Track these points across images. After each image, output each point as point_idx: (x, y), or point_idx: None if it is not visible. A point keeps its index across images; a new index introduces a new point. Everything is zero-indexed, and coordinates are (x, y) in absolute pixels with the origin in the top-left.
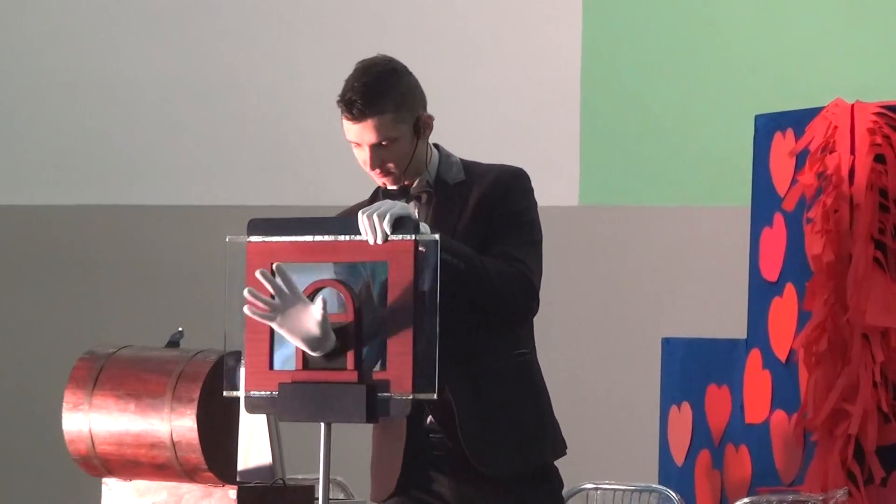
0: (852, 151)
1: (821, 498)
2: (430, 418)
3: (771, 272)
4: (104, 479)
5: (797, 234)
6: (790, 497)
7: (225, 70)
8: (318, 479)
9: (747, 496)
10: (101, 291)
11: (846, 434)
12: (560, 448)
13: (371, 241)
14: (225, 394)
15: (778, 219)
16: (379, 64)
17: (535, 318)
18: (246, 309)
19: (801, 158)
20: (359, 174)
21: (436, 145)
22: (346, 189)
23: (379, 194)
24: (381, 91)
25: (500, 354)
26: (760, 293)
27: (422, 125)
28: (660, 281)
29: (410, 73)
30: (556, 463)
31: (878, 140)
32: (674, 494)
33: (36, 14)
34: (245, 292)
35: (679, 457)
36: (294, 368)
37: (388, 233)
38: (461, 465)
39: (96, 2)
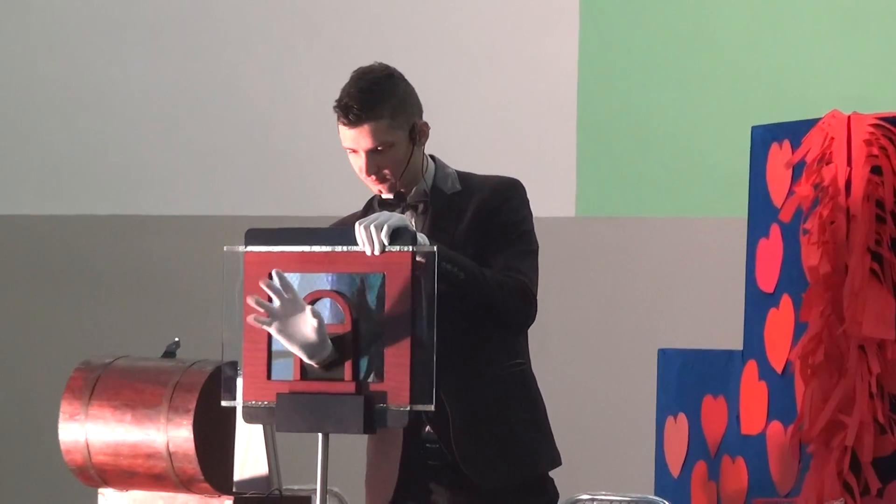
0: (849, 163)
1: None
2: (427, 428)
3: (767, 283)
4: (100, 490)
5: (794, 246)
6: None
7: (223, 80)
8: (315, 489)
9: None
10: (97, 301)
11: (842, 445)
12: (555, 459)
13: (368, 252)
14: (223, 403)
15: (774, 230)
16: (375, 70)
17: (530, 329)
18: (249, 317)
19: (797, 170)
20: (355, 184)
21: (431, 156)
22: (342, 199)
23: (374, 204)
24: (377, 96)
25: (496, 365)
26: (757, 304)
27: (418, 132)
28: (656, 292)
29: (406, 81)
30: (551, 474)
31: (875, 151)
32: None
33: (35, 24)
34: (248, 300)
35: (675, 468)
36: (292, 379)
37: (386, 244)
38: (457, 475)
39: (95, 13)
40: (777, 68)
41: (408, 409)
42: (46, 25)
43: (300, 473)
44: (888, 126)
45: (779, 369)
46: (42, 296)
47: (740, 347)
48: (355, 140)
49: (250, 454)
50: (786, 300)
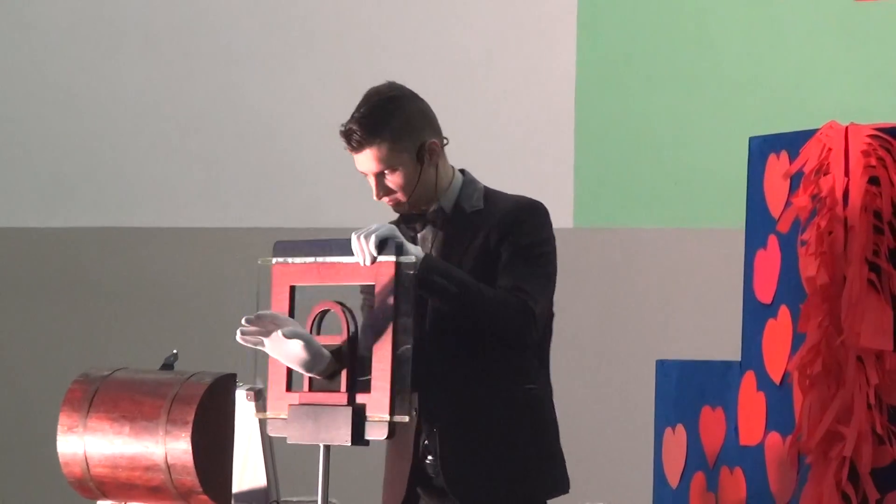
0: (846, 173)
1: None
2: (425, 441)
3: (765, 294)
4: (99, 502)
5: (791, 257)
6: None
7: (224, 92)
8: (315, 500)
9: None
10: (96, 314)
11: (841, 456)
12: (558, 486)
13: (361, 263)
14: (256, 415)
15: (772, 241)
16: (380, 93)
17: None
18: (238, 338)
19: (795, 180)
20: (357, 195)
21: (462, 171)
22: (344, 211)
23: (400, 218)
24: (378, 121)
25: (500, 387)
26: (755, 315)
27: (426, 152)
28: (654, 303)
29: (415, 99)
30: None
31: (873, 162)
32: None
33: (36, 37)
34: (243, 320)
35: (673, 479)
36: (304, 390)
37: (375, 254)
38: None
39: (95, 25)
40: (775, 79)
41: (387, 420)
42: (47, 38)
43: (298, 485)
44: (886, 137)
45: (777, 380)
46: (41, 308)
47: (738, 358)
48: (362, 164)
49: (248, 466)
50: (784, 311)
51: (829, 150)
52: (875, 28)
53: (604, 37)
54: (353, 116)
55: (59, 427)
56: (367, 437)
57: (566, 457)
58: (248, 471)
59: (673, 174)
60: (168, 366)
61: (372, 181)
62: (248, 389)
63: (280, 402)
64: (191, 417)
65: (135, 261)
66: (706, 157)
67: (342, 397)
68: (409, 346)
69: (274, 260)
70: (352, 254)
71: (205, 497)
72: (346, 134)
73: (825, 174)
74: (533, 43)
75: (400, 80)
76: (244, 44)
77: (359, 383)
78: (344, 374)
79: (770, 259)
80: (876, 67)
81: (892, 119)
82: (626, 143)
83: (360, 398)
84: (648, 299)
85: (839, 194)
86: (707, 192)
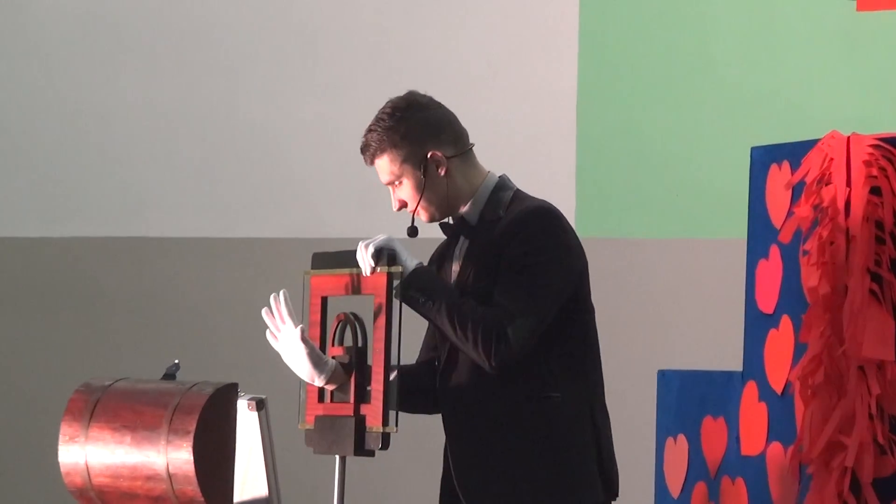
0: (848, 183)
1: None
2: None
3: (767, 304)
4: None
5: (793, 267)
6: None
7: (227, 103)
8: None
9: None
10: (98, 323)
11: (842, 466)
12: (581, 499)
13: (364, 273)
14: (299, 426)
15: (774, 251)
16: (389, 104)
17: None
18: (263, 312)
19: (797, 191)
20: (359, 206)
21: (501, 177)
22: (347, 221)
23: (443, 228)
24: (380, 133)
25: (514, 397)
26: (756, 325)
27: (431, 163)
28: (655, 313)
29: (425, 109)
30: None
31: (874, 172)
32: None
33: (37, 47)
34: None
35: (675, 489)
36: (327, 401)
37: (372, 264)
38: None
39: (97, 35)
40: (776, 89)
41: (380, 431)
42: (52, 49)
43: (300, 496)
44: (888, 147)
45: (779, 390)
46: (43, 317)
47: (740, 368)
48: (379, 176)
49: (250, 476)
50: (785, 321)
51: (831, 160)
52: (877, 38)
53: (606, 48)
54: (366, 129)
55: (60, 437)
56: (367, 447)
57: None
58: (249, 481)
59: (675, 184)
60: (170, 376)
61: (391, 192)
62: (249, 399)
63: (312, 413)
64: (192, 427)
65: (137, 270)
66: (708, 167)
67: (350, 408)
68: (395, 356)
69: (312, 272)
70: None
71: None
72: (361, 148)
73: (827, 184)
74: (535, 53)
75: (402, 93)
76: (249, 55)
77: (367, 394)
78: (352, 384)
79: (772, 269)
80: (878, 77)
81: (893, 129)
82: (628, 154)
83: (363, 409)
84: (650, 309)
85: (841, 204)
86: (709, 203)
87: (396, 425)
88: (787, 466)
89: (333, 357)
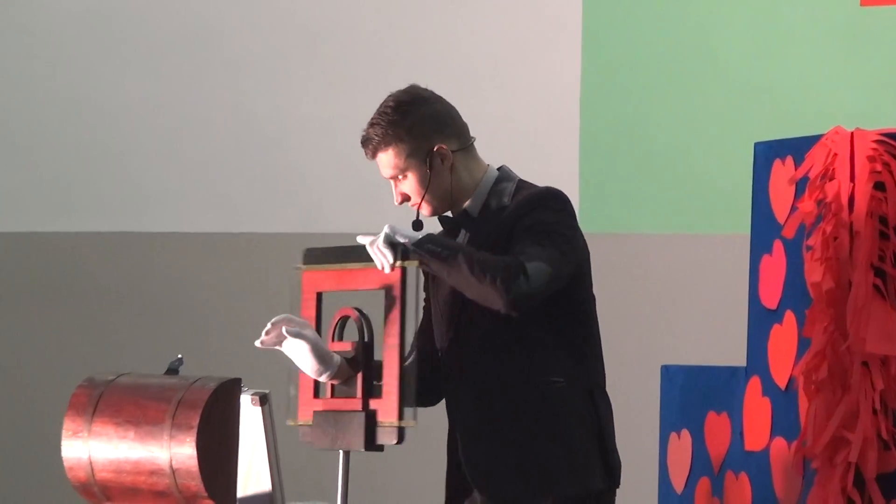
0: (852, 179)
1: None
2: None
3: (770, 299)
4: None
5: (797, 262)
6: None
7: (229, 97)
8: None
9: None
10: (101, 318)
11: (846, 462)
12: (588, 483)
13: (386, 270)
14: (288, 422)
15: (777, 246)
16: (395, 98)
17: None
18: (256, 342)
19: (800, 186)
20: (362, 201)
21: (501, 168)
22: (349, 216)
23: (442, 222)
24: (385, 127)
25: (519, 382)
26: (760, 320)
27: (436, 157)
28: (659, 308)
29: (428, 103)
30: None
31: (878, 167)
32: None
33: (41, 42)
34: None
35: (679, 484)
36: (327, 396)
37: (391, 261)
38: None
39: (101, 31)
40: (780, 84)
41: (395, 426)
42: (54, 44)
43: (303, 490)
44: (892, 142)
45: (782, 385)
46: (46, 312)
47: (744, 363)
48: (380, 170)
49: (253, 471)
50: (789, 316)
51: (835, 155)
52: (881, 33)
53: (609, 43)
54: (367, 123)
55: (63, 431)
56: (379, 441)
57: None
58: (253, 476)
59: (678, 180)
60: (173, 370)
61: (392, 186)
62: (253, 394)
63: (307, 409)
64: (196, 422)
65: (140, 265)
66: (711, 162)
67: (357, 403)
68: (413, 350)
69: (304, 267)
70: (368, 260)
71: (209, 502)
72: (362, 142)
73: (830, 179)
74: (538, 50)
75: (405, 86)
76: (251, 50)
77: (375, 388)
78: (359, 379)
79: (775, 264)
80: (881, 72)
81: None
82: (631, 149)
83: (373, 404)
84: (654, 305)
85: (845, 200)
86: (712, 198)
87: (415, 419)
88: (790, 462)
89: (336, 352)
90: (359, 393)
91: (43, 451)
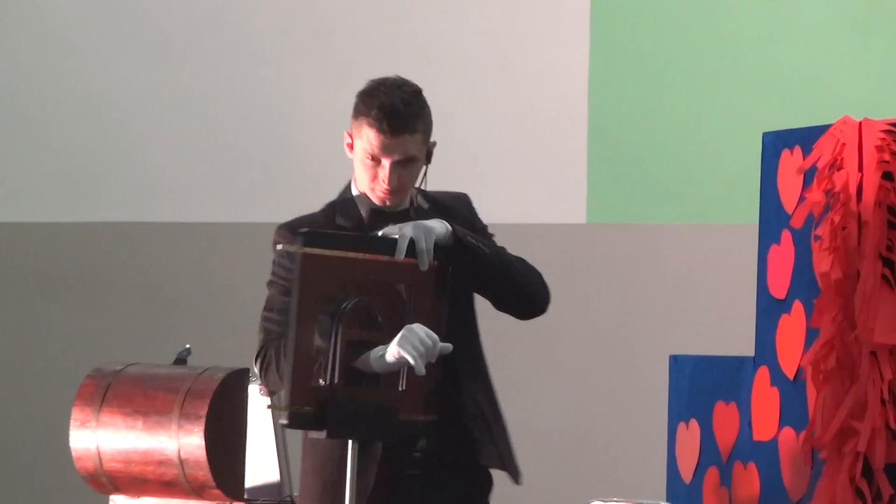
0: (860, 169)
1: None
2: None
3: (779, 290)
4: (112, 497)
5: (805, 252)
6: None
7: (232, 88)
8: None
9: None
10: (109, 309)
11: (854, 452)
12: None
13: (423, 267)
14: (293, 408)
15: (786, 236)
16: (409, 83)
17: (540, 334)
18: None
19: (808, 176)
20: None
21: None
22: None
23: (370, 215)
24: (416, 109)
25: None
26: (768, 311)
27: (431, 151)
28: (667, 298)
29: None
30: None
31: (887, 157)
32: None
33: (45, 33)
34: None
35: (687, 474)
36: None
37: (431, 256)
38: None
39: (105, 21)
40: (788, 74)
41: (417, 419)
42: (62, 35)
43: None
44: None
45: (791, 375)
46: (53, 303)
47: (752, 354)
48: (386, 149)
49: (261, 461)
50: (797, 306)
51: (843, 145)
52: (889, 22)
53: (617, 33)
54: (390, 102)
55: (71, 421)
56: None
57: (579, 452)
58: (261, 466)
59: (686, 170)
60: (181, 360)
61: (385, 168)
62: (261, 384)
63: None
64: (204, 412)
65: (147, 255)
66: (719, 152)
67: (378, 395)
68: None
69: (305, 249)
70: (381, 251)
71: (218, 492)
72: (389, 116)
73: (839, 169)
74: (546, 40)
75: (413, 77)
76: (257, 40)
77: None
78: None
79: (784, 254)
80: (890, 62)
81: None
82: (639, 139)
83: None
84: (661, 295)
85: (853, 189)
86: (720, 188)
87: (435, 413)
88: (799, 452)
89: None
90: (379, 385)
91: (51, 440)
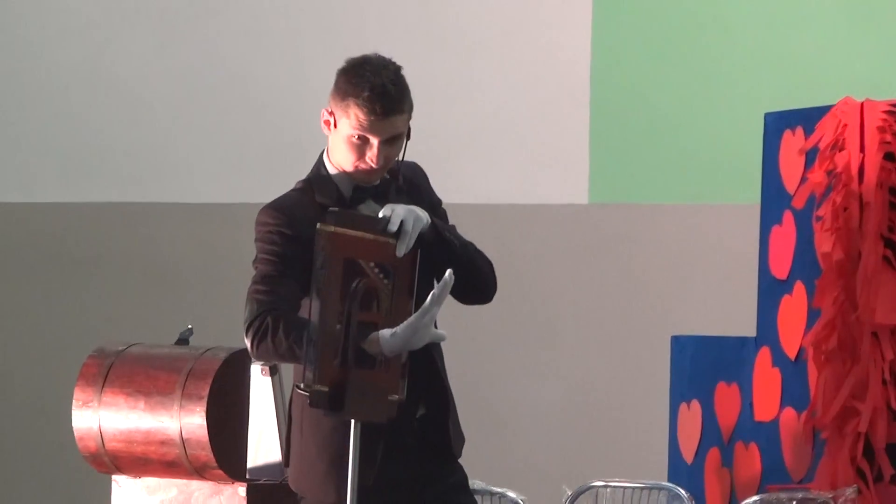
0: (862, 149)
1: (830, 496)
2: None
3: (780, 270)
4: (114, 477)
5: (807, 232)
6: (800, 495)
7: (233, 68)
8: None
9: (757, 494)
10: (110, 289)
11: (856, 432)
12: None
13: (400, 253)
14: (318, 387)
15: (787, 216)
16: (391, 62)
17: (543, 314)
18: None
19: (810, 156)
20: None
21: None
22: None
23: (353, 192)
24: (403, 89)
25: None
26: (770, 291)
27: (409, 127)
28: (669, 279)
29: None
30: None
31: (888, 138)
32: (683, 492)
33: (45, 12)
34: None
35: (689, 454)
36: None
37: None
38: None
39: (111, 3)
40: (790, 55)
41: (396, 399)
42: (66, 17)
43: None
44: None
45: (792, 356)
46: (55, 284)
47: (753, 334)
48: (375, 129)
49: (263, 441)
50: (799, 287)
51: (845, 125)
52: (891, 3)
53: (619, 13)
54: (381, 83)
55: (73, 402)
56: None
57: (581, 433)
58: (262, 446)
59: (688, 150)
60: (183, 340)
61: (374, 148)
62: (263, 364)
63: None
64: (206, 392)
65: (150, 236)
66: (721, 132)
67: (376, 376)
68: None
69: (332, 228)
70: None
71: (219, 472)
72: (380, 96)
73: (840, 150)
74: (549, 20)
75: (416, 57)
76: (260, 20)
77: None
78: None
79: (785, 235)
80: (892, 43)
81: None
82: (642, 120)
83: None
84: (663, 275)
85: (854, 170)
86: (722, 168)
87: (403, 393)
88: (800, 432)
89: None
90: (375, 366)
91: (53, 421)
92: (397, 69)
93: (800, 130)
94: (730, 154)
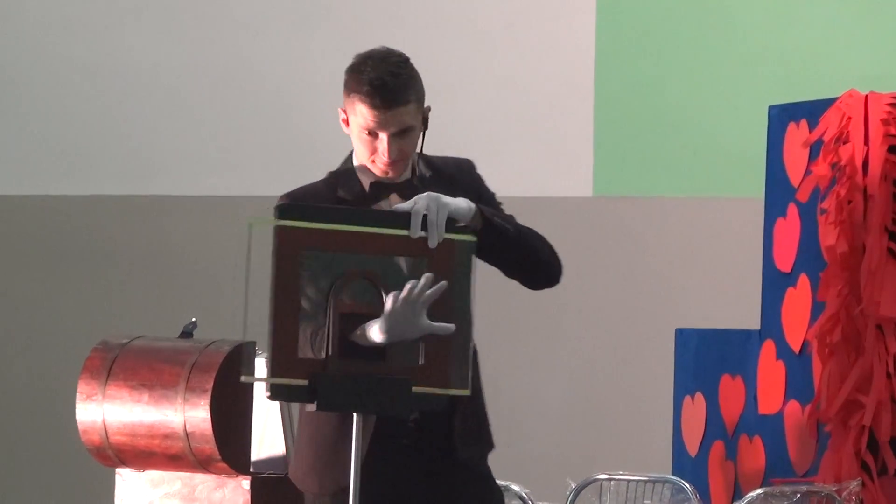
0: (866, 142)
1: (834, 489)
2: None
3: (785, 263)
4: (118, 470)
5: (811, 225)
6: (804, 488)
7: (239, 61)
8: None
9: (761, 487)
10: (114, 282)
11: (860, 425)
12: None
13: (432, 244)
14: (242, 379)
15: (792, 209)
16: (395, 54)
17: (547, 307)
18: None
19: (814, 149)
20: None
21: None
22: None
23: (370, 187)
24: (406, 80)
25: None
26: (774, 284)
27: (427, 118)
28: (673, 272)
29: None
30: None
31: (892, 131)
32: (687, 485)
33: (48, 4)
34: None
35: (693, 447)
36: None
37: (443, 231)
38: (428, 451)
39: None
40: (794, 48)
41: (446, 392)
42: (68, 8)
43: None
44: None
45: (796, 349)
46: (60, 276)
47: (758, 327)
48: (381, 123)
49: (267, 435)
50: (803, 280)
51: (849, 118)
52: None
53: (623, 7)
54: (379, 76)
55: (77, 395)
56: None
57: (585, 426)
58: (266, 440)
59: (692, 143)
60: (187, 334)
61: (384, 142)
62: (267, 357)
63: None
64: (210, 385)
65: (154, 229)
66: (725, 125)
67: (389, 368)
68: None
69: (278, 221)
70: (374, 224)
71: (223, 465)
72: (380, 89)
73: (845, 143)
74: (553, 13)
75: (421, 49)
76: (264, 13)
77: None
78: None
79: (789, 228)
80: (895, 36)
81: None
82: (646, 113)
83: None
84: (667, 268)
85: (859, 163)
86: (726, 161)
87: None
88: (804, 425)
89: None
90: (388, 358)
91: (57, 414)
92: (401, 60)
93: (804, 123)
94: (734, 147)
